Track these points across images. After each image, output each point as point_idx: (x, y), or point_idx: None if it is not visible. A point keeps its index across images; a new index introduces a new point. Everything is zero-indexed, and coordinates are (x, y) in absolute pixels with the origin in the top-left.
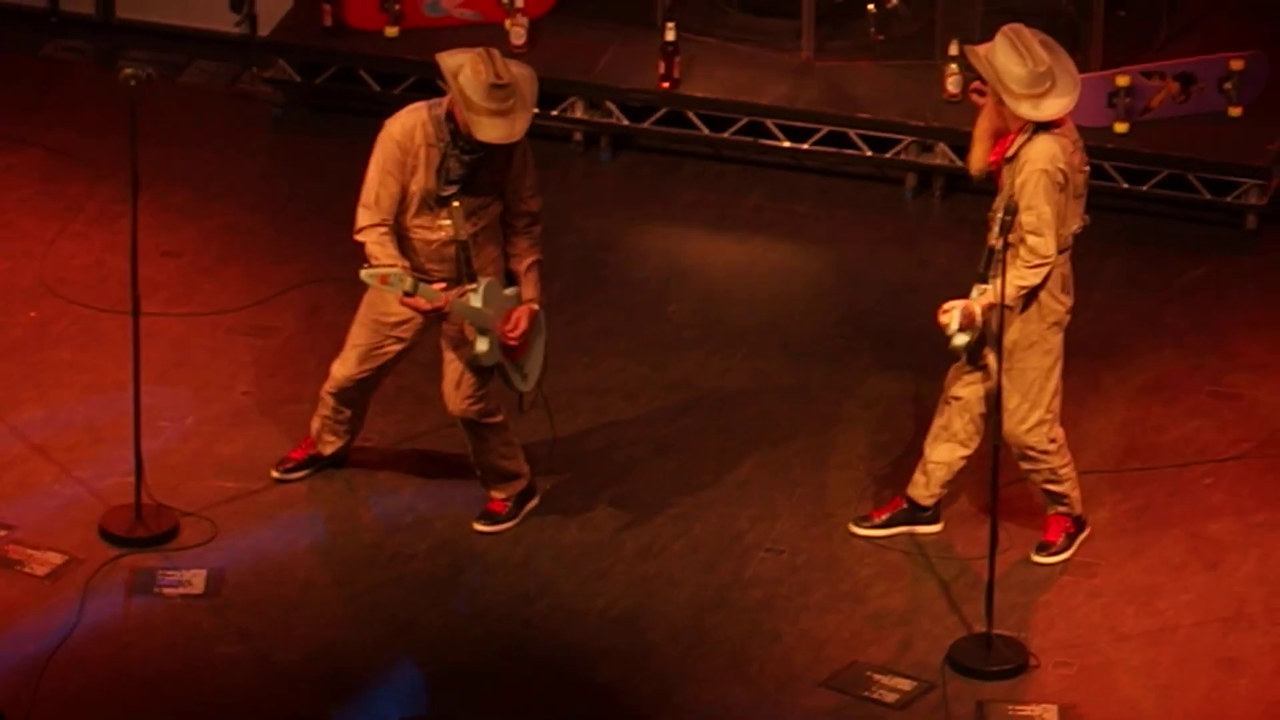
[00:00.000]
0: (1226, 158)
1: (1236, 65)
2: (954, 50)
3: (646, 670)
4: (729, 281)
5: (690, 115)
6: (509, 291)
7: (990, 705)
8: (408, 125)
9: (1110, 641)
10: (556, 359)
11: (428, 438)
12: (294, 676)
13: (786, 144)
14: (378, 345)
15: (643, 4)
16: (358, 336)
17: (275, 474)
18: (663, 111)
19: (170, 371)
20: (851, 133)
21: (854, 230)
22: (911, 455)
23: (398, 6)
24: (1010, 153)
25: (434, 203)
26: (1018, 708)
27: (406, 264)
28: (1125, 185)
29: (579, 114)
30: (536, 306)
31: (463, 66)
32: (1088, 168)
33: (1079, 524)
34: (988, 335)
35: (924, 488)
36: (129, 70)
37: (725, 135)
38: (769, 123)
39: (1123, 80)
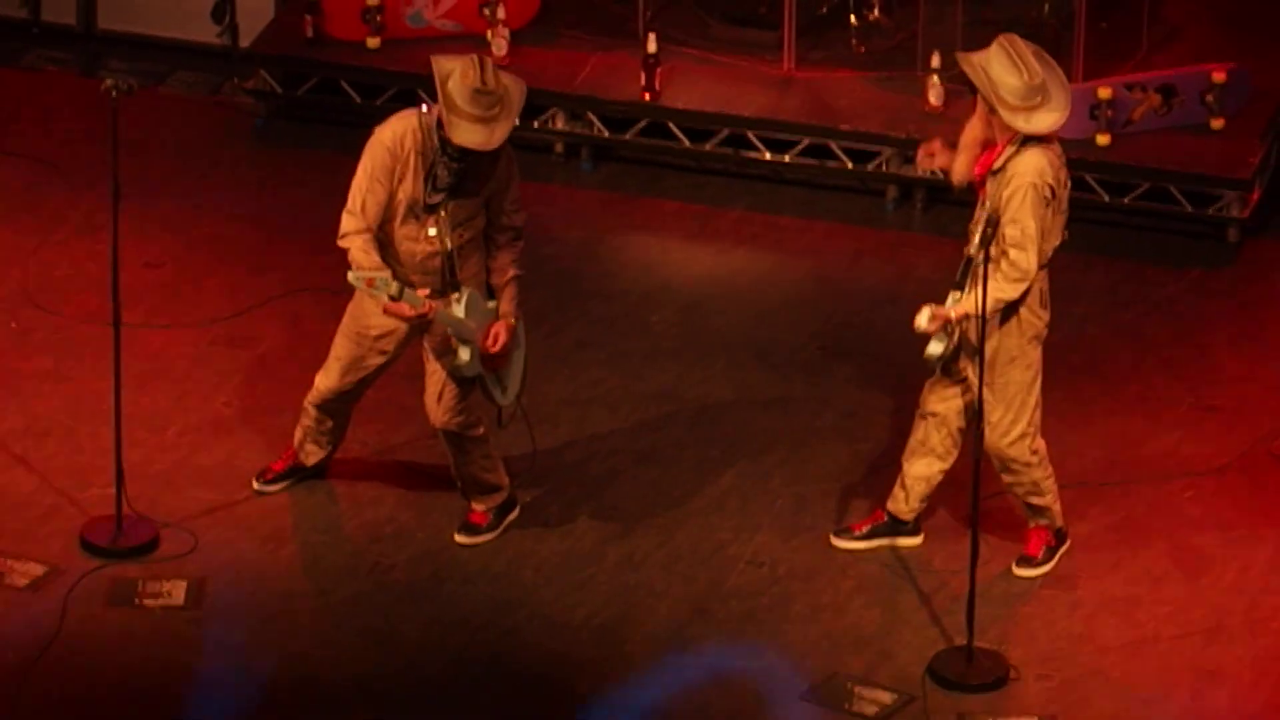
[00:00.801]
0: (1208, 170)
1: (1218, 77)
2: (935, 62)
3: (626, 681)
4: (710, 292)
5: (671, 126)
6: (490, 305)
7: (971, 718)
8: (398, 131)
9: (1091, 653)
10: (537, 370)
11: (409, 449)
12: (274, 687)
13: (768, 155)
14: (360, 358)
15: (624, 15)
16: (340, 348)
17: (256, 485)
18: (644, 122)
19: (151, 382)
20: (833, 144)
21: (835, 242)
22: (892, 466)
23: (379, 18)
24: (997, 165)
25: (421, 211)
26: None
27: (390, 271)
28: (1107, 198)
29: (560, 125)
30: (513, 321)
31: (453, 71)
32: (1069, 183)
33: (1060, 537)
34: (965, 348)
35: (903, 502)
36: (110, 81)
37: (706, 147)
38: (750, 134)
39: (1104, 92)
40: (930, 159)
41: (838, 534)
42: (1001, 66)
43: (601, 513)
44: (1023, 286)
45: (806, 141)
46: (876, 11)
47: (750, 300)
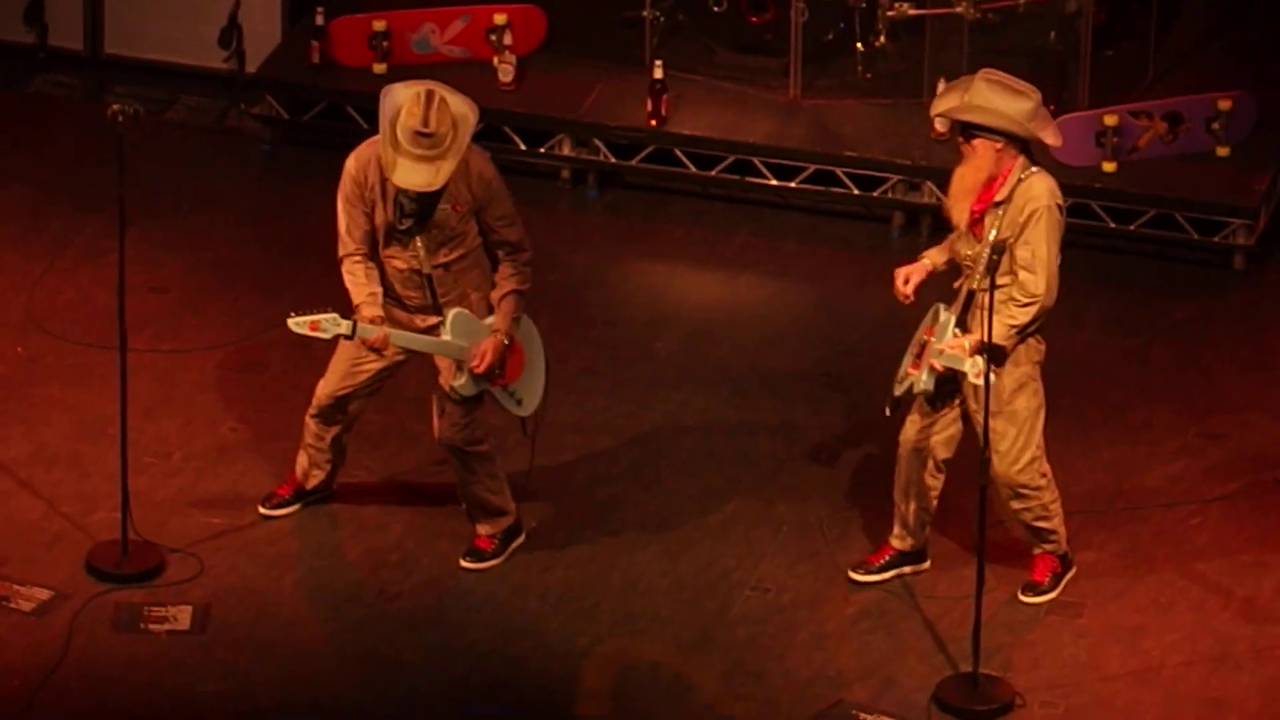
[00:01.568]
0: (1214, 197)
1: (1224, 105)
2: (941, 89)
3: (631, 709)
4: (714, 319)
5: (677, 153)
6: (487, 322)
7: None
8: (362, 159)
9: (1096, 681)
10: None
11: (414, 474)
12: (279, 713)
13: (773, 182)
14: (356, 360)
15: (631, 42)
16: (339, 353)
17: (262, 510)
18: (650, 149)
19: (157, 407)
20: (838, 171)
21: (840, 268)
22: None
23: (386, 44)
24: (1000, 196)
25: (397, 235)
26: None
27: (377, 291)
28: (1113, 225)
29: (566, 151)
30: (504, 338)
31: (401, 106)
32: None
33: (1065, 563)
34: (960, 379)
35: (904, 538)
36: (116, 106)
37: (712, 173)
38: (756, 161)
39: (1110, 119)
40: (907, 284)
41: (855, 569)
42: (1003, 98)
43: (606, 539)
44: (1034, 310)
45: (812, 168)
46: (882, 39)
47: (755, 327)
